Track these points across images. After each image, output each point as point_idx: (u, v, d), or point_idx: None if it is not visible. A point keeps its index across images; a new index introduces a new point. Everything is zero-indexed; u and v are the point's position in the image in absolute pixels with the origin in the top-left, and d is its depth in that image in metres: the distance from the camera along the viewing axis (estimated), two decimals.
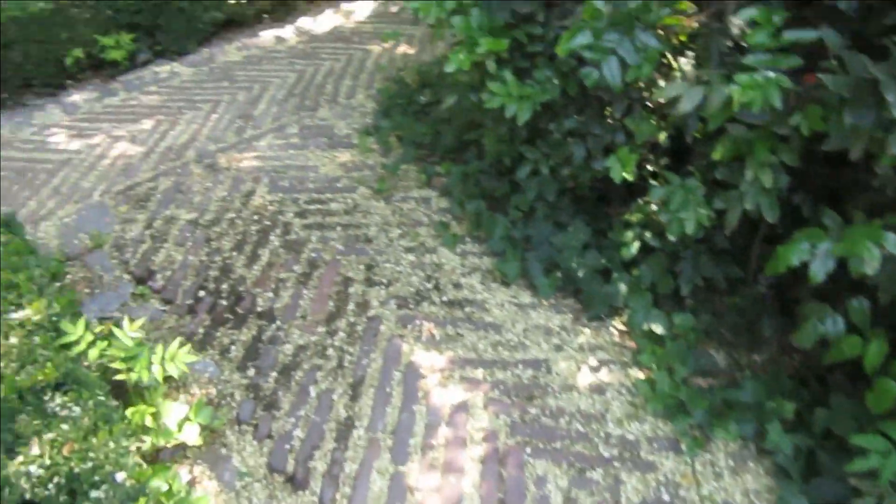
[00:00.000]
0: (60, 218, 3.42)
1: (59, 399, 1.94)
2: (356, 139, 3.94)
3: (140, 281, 3.09)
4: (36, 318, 2.18)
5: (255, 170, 3.72)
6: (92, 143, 3.97)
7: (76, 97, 4.41)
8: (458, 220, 3.39)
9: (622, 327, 2.87)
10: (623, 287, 2.82)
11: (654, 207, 2.69)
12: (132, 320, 2.41)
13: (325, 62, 4.72)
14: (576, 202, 3.17)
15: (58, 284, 2.52)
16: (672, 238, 2.44)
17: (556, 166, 2.90)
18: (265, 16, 5.25)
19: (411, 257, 3.19)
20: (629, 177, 2.52)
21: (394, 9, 5.42)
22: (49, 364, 2.00)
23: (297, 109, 4.22)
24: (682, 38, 2.37)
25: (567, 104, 2.66)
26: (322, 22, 5.24)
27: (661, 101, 2.35)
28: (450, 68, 2.58)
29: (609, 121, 2.65)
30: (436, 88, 3.96)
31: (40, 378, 1.97)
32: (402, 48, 4.86)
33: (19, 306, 2.20)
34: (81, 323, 2.15)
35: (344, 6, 5.44)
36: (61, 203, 3.52)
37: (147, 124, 4.12)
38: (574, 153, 2.68)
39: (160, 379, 2.25)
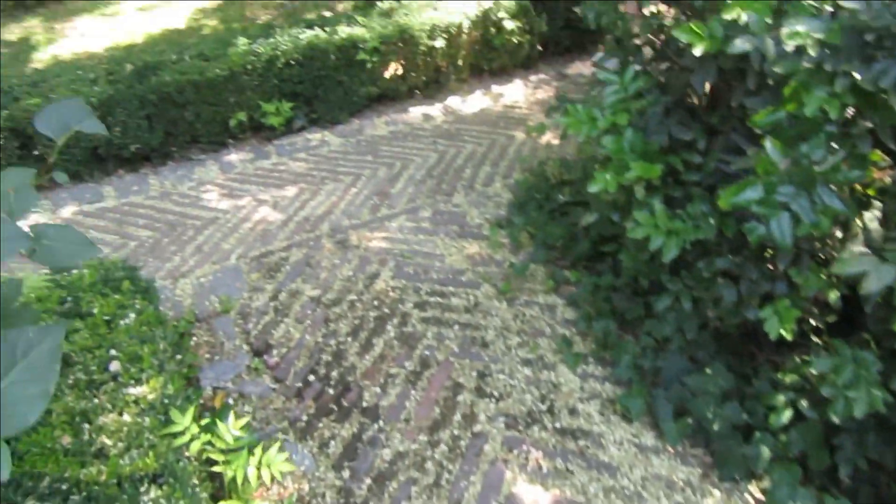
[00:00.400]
0: (198, 277, 3.58)
1: (154, 492, 1.93)
2: (487, 230, 3.85)
3: (257, 353, 3.13)
4: (151, 396, 2.22)
5: (382, 251, 3.72)
6: (238, 205, 4.17)
7: (233, 156, 4.69)
8: (583, 337, 3.16)
9: (760, 496, 2.49)
10: (766, 451, 2.45)
11: (813, 372, 2.33)
12: (242, 396, 2.41)
13: (467, 145, 4.72)
14: (718, 338, 2.85)
15: (179, 357, 2.57)
16: (835, 418, 2.07)
17: (700, 302, 2.62)
18: (417, 91, 5.38)
19: (527, 371, 3.00)
20: (787, 335, 2.20)
21: (542, 95, 5.37)
22: (152, 452, 2.00)
23: (432, 192, 4.22)
24: (871, 193, 2.06)
25: (721, 241, 2.39)
26: (470, 102, 5.29)
27: (841, 274, 2.02)
28: (594, 188, 2.42)
29: (769, 266, 2.35)
30: (577, 188, 3.80)
31: (141, 466, 1.98)
32: (548, 136, 4.77)
33: (138, 381, 2.25)
34: (190, 414, 2.16)
35: (494, 88, 5.46)
36: (201, 262, 3.69)
37: (290, 191, 4.28)
38: (724, 296, 2.39)
39: (254, 480, 2.20)
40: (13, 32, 6.99)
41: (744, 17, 1.80)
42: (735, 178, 2.29)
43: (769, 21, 1.79)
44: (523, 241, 3.75)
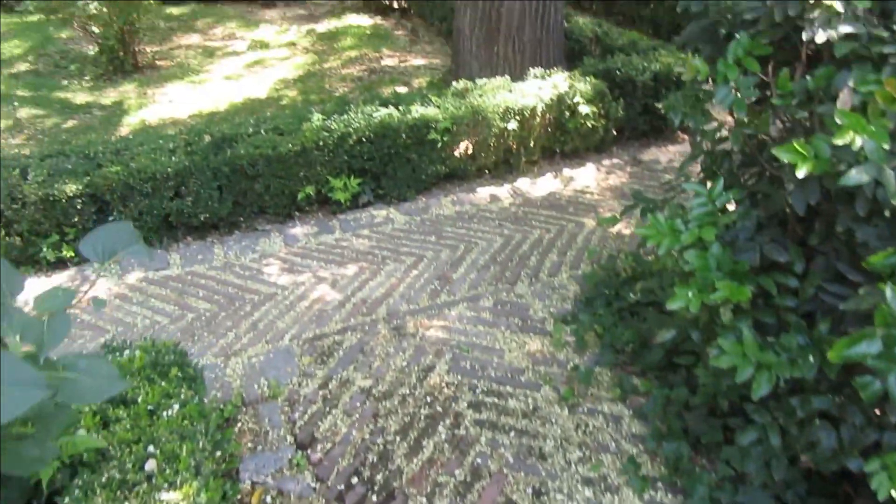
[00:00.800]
0: (249, 357, 3.50)
1: None
2: (551, 326, 3.63)
3: (301, 446, 2.98)
4: (183, 503, 2.09)
5: (439, 342, 3.55)
6: (298, 281, 4.12)
7: (298, 230, 4.69)
8: (652, 458, 2.87)
9: None
10: None
11: None
12: (280, 494, 2.24)
13: (534, 230, 4.57)
14: (809, 477, 2.51)
15: (218, 453, 2.45)
16: None
17: (790, 437, 2.31)
18: (486, 171, 5.31)
19: (588, 492, 2.72)
20: None
21: (614, 181, 5.19)
22: None
23: (495, 279, 4.06)
24: None
25: (820, 378, 2.11)
26: (540, 185, 5.16)
27: None
28: (673, 305, 2.19)
29: (877, 411, 2.05)
30: (650, 287, 3.56)
31: None
32: (620, 225, 4.56)
33: (172, 485, 2.13)
34: None
35: (566, 171, 5.33)
36: (254, 340, 3.62)
37: (350, 270, 4.21)
38: (821, 440, 2.09)
39: None
40: (109, 96, 7.41)
41: (858, 142, 1.59)
42: (837, 310, 2.03)
43: (886, 148, 1.58)
44: (589, 340, 3.51)
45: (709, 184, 2.39)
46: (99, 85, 7.82)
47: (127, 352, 2.67)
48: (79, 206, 4.23)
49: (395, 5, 10.56)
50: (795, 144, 1.77)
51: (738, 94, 2.14)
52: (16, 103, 7.16)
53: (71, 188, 4.16)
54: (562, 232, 4.55)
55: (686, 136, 5.88)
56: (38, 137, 6.36)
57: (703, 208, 2.17)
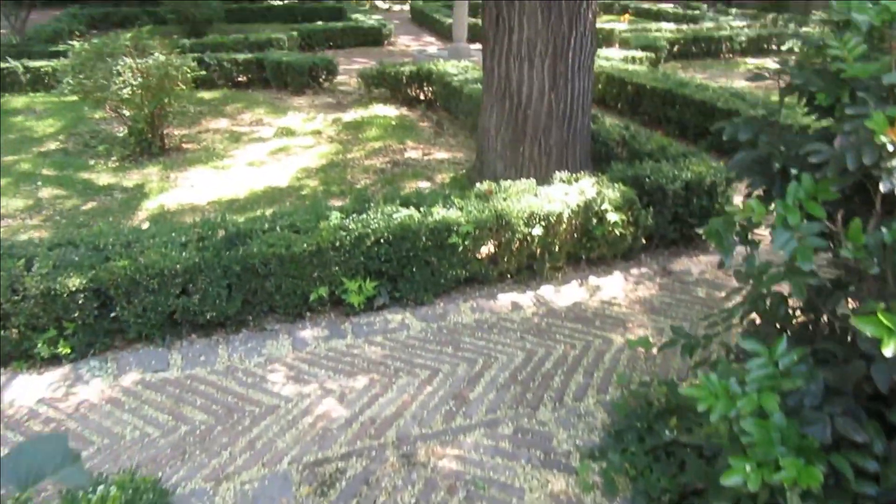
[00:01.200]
0: (242, 483, 3.17)
1: None
2: (576, 462, 3.28)
3: None
4: None
5: (453, 474, 3.21)
6: (303, 392, 3.83)
7: (307, 332, 4.44)
8: None
9: None
10: None
11: None
12: None
13: (558, 345, 4.27)
14: None
15: None
16: None
17: None
18: (508, 276, 5.07)
19: None
20: None
21: (643, 293, 4.92)
22: None
23: (516, 402, 3.74)
24: None
25: None
26: (564, 294, 4.90)
27: None
28: (728, 481, 1.87)
29: None
30: (687, 423, 3.22)
31: None
32: (652, 340, 4.25)
33: None
34: None
35: (591, 280, 5.07)
36: (250, 462, 3.30)
37: (360, 382, 3.92)
38: None
39: None
40: (132, 178, 7.41)
41: None
42: None
43: None
44: (620, 483, 3.15)
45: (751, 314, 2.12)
46: (124, 166, 7.86)
47: (101, 487, 2.38)
48: (80, 301, 4.03)
49: (422, 97, 10.73)
50: (881, 316, 1.51)
51: (802, 242, 1.90)
52: (39, 182, 7.17)
53: (74, 282, 3.98)
54: (588, 348, 4.25)
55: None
56: (55, 219, 6.29)
57: (762, 370, 1.88)
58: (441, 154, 8.11)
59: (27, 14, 13.96)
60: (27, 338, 4.04)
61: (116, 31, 17.31)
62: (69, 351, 4.08)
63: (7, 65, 11.01)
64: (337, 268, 4.53)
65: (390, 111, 10.21)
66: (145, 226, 6.06)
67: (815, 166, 1.98)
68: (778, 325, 2.37)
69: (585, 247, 5.15)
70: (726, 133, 2.41)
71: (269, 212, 6.31)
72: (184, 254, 4.24)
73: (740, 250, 2.63)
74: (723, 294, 4.89)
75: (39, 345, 4.02)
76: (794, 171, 2.14)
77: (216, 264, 4.25)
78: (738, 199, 5.80)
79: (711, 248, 5.56)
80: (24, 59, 11.61)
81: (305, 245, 4.39)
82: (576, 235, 5.06)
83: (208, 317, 4.33)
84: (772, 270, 2.11)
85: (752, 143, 2.34)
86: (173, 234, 4.50)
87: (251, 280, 4.38)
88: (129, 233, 4.57)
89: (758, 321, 2.60)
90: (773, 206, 2.05)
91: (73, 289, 3.99)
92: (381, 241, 4.55)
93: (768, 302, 2.37)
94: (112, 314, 4.16)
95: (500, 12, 5.72)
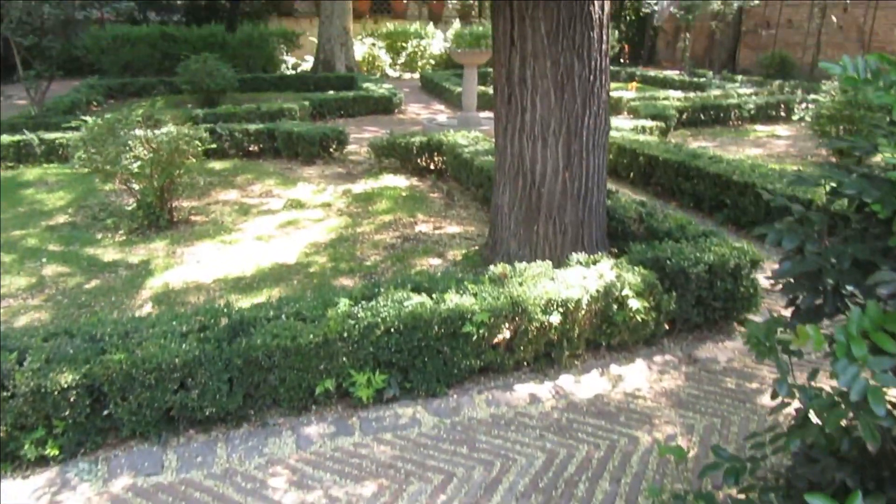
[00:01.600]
0: None
1: None
2: None
3: None
4: None
5: None
6: (307, 501, 3.54)
7: (313, 428, 4.17)
8: None
9: None
10: None
11: None
12: None
13: (581, 445, 3.98)
14: None
15: None
16: None
17: None
18: (525, 363, 4.82)
19: None
20: None
21: (669, 384, 4.64)
22: None
23: None
24: None
25: None
26: (585, 384, 4.62)
27: None
28: None
29: None
30: None
31: None
32: (681, 439, 3.97)
33: None
34: None
35: (613, 368, 4.80)
36: None
37: (369, 489, 3.63)
38: None
39: None
40: (138, 254, 7.28)
41: None
42: None
43: None
44: None
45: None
46: (131, 240, 7.75)
47: None
48: (72, 399, 3.80)
49: (432, 166, 10.69)
50: None
51: (872, 381, 1.67)
52: (44, 259, 7.06)
53: (66, 378, 3.76)
54: (613, 449, 3.95)
55: (743, 329, 5.38)
56: (57, 298, 6.13)
57: None
58: (452, 228, 7.97)
59: (47, 86, 14.25)
60: (13, 438, 3.80)
61: (133, 100, 17.68)
62: (57, 452, 3.82)
63: (23, 137, 11.13)
64: (345, 359, 4.30)
65: (400, 182, 10.16)
66: (147, 307, 5.89)
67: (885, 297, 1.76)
68: (838, 457, 2.10)
69: (606, 333, 4.90)
70: (769, 240, 2.21)
71: (275, 291, 6.16)
72: (184, 346, 4.03)
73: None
74: (753, 385, 4.60)
75: (26, 446, 3.77)
76: (850, 290, 1.93)
77: (217, 357, 4.03)
78: (763, 280, 5.57)
79: (737, 333, 5.30)
80: (42, 130, 11.74)
81: (312, 336, 4.17)
82: (595, 321, 4.83)
83: (207, 413, 4.08)
84: (835, 408, 1.87)
85: (801, 252, 2.14)
86: (174, 323, 4.30)
87: (254, 373, 4.15)
88: (128, 322, 4.37)
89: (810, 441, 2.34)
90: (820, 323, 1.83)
91: (65, 385, 3.77)
92: (392, 330, 4.33)
93: (825, 428, 2.11)
94: (105, 412, 3.92)
95: (513, 92, 5.66)
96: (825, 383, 2.40)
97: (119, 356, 3.89)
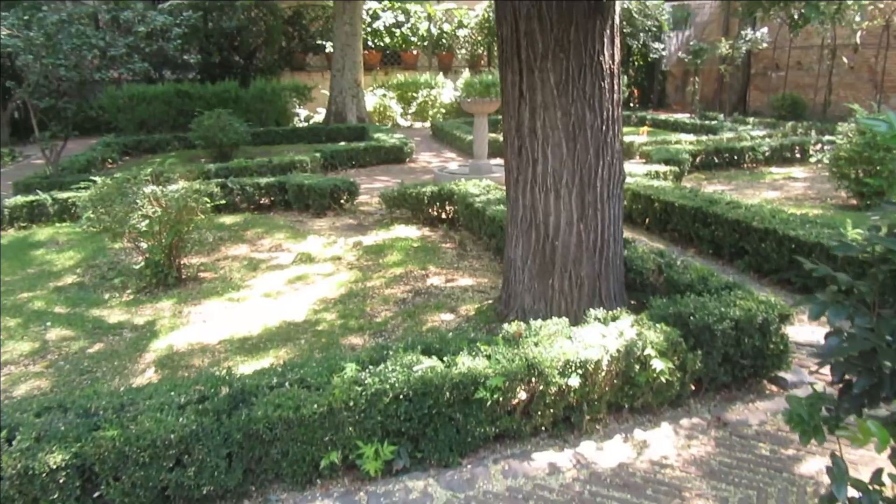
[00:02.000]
0: None
1: None
2: None
3: None
4: None
5: None
6: None
7: None
8: None
9: None
10: None
11: None
12: None
13: None
14: None
15: None
16: None
17: None
18: (543, 429, 4.53)
19: None
20: None
21: (698, 451, 4.32)
22: None
23: None
24: None
25: None
26: (608, 452, 4.32)
27: None
28: None
29: None
30: None
31: None
32: None
33: None
34: None
35: (637, 434, 4.50)
36: None
37: None
38: None
39: None
40: (144, 314, 7.14)
41: None
42: None
43: None
44: None
45: None
46: (139, 299, 7.62)
47: None
48: (61, 480, 3.58)
49: (444, 216, 10.56)
50: None
51: None
52: (49, 323, 6.92)
53: (56, 458, 3.55)
54: None
55: (775, 388, 5.07)
56: (59, 364, 5.96)
57: None
58: (465, 280, 7.76)
59: (63, 146, 14.43)
60: None
61: (148, 157, 17.89)
62: None
63: (36, 197, 11.18)
64: (351, 429, 4.05)
65: (412, 232, 10.02)
66: (150, 372, 5.70)
67: None
68: None
69: (628, 395, 4.62)
70: (810, 315, 1.97)
71: (282, 352, 5.95)
72: (181, 419, 3.81)
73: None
74: (790, 452, 4.28)
75: None
76: None
77: (216, 431, 3.81)
78: (793, 334, 5.27)
79: (768, 392, 4.98)
80: (56, 189, 11.81)
81: (316, 405, 3.94)
82: (617, 383, 4.55)
83: (205, 491, 3.83)
84: None
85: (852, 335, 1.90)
86: (172, 394, 4.09)
87: (255, 447, 3.92)
88: (125, 393, 4.17)
89: None
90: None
91: (54, 466, 3.55)
92: (401, 397, 4.09)
93: None
94: (96, 493, 3.69)
95: (523, 143, 5.52)
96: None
97: (112, 432, 3.68)
